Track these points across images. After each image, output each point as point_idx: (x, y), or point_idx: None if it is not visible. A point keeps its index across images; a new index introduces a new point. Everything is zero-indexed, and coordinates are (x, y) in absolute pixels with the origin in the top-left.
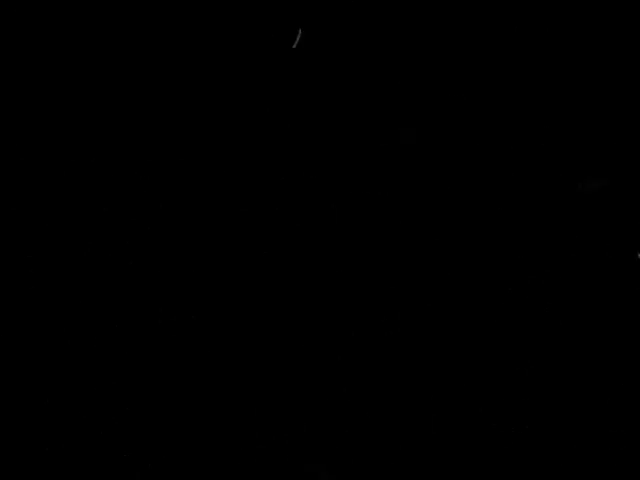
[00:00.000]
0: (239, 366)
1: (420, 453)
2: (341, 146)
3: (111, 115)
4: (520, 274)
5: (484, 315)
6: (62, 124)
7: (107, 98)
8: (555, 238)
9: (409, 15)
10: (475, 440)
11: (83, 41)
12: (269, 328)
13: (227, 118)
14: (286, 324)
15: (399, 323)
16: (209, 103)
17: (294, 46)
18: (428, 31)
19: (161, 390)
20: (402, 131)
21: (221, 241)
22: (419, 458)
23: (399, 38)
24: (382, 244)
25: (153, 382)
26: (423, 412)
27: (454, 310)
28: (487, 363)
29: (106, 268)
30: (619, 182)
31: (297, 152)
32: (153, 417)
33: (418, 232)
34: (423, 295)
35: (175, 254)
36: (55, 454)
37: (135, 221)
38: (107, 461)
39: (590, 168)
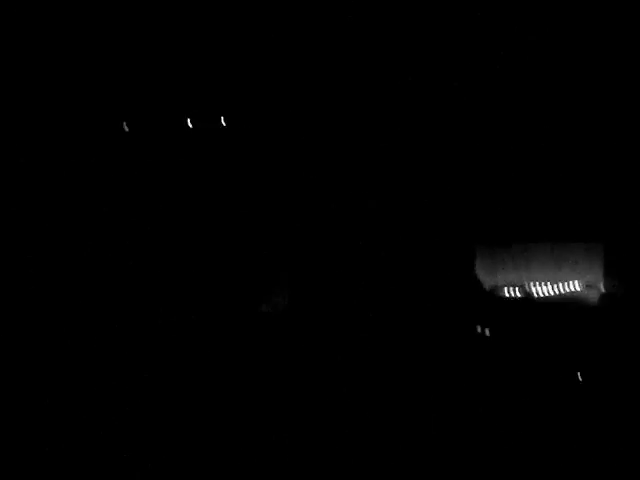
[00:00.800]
0: (239, 366)
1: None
2: (341, 147)
3: (110, 117)
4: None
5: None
6: (62, 124)
7: (106, 101)
8: None
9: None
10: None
11: (83, 41)
12: (268, 328)
13: (226, 118)
14: (286, 324)
15: (398, 322)
16: (208, 104)
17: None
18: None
19: (161, 390)
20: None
21: (220, 241)
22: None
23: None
24: (382, 244)
25: (153, 382)
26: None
27: (452, 311)
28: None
29: (105, 268)
30: None
31: (297, 153)
32: (153, 417)
33: (416, 232)
34: (421, 295)
35: (174, 254)
36: (55, 454)
37: (135, 222)
38: (107, 461)
39: None
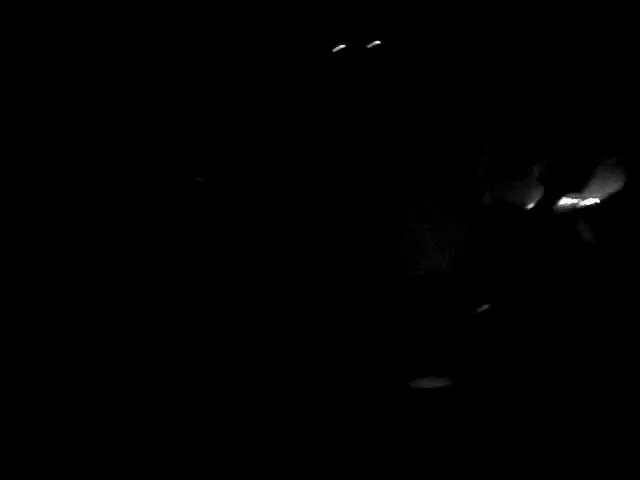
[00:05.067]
0: (239, 366)
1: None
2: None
3: (110, 117)
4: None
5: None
6: (62, 124)
7: (106, 100)
8: None
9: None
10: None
11: (83, 41)
12: (268, 328)
13: (228, 119)
14: (286, 324)
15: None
16: (210, 104)
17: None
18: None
19: (161, 390)
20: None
21: (220, 242)
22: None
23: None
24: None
25: (153, 382)
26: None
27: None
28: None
29: (105, 268)
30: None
31: (298, 154)
32: (153, 417)
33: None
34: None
35: (174, 254)
36: (55, 454)
37: (134, 222)
38: (107, 461)
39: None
